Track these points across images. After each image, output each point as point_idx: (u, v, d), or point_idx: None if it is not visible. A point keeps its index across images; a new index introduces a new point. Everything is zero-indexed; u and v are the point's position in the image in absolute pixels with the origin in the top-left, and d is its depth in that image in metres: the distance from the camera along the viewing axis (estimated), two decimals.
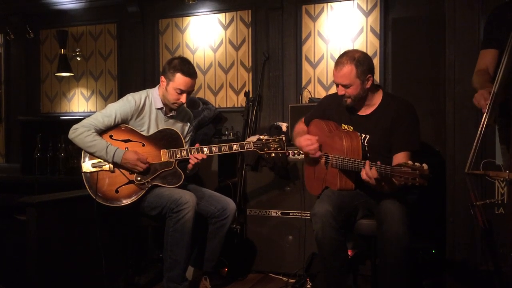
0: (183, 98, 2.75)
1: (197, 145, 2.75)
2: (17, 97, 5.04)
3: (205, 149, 2.73)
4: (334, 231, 2.30)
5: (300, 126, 2.79)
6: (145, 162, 2.66)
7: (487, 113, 1.83)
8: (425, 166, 1.96)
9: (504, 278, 2.14)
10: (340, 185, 2.42)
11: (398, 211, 2.28)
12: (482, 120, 1.84)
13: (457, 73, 2.86)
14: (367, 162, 2.19)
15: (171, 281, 2.66)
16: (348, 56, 2.38)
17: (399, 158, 2.33)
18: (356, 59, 2.36)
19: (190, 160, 2.73)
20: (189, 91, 2.77)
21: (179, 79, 2.71)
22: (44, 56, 4.99)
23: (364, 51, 3.71)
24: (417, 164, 1.97)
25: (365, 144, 2.46)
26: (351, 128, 2.51)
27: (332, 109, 2.61)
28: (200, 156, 2.71)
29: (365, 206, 2.49)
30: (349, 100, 2.43)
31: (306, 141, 2.55)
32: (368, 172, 2.17)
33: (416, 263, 2.92)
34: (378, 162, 2.18)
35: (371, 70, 2.40)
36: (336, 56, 3.88)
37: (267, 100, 4.08)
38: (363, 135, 2.47)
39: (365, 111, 2.50)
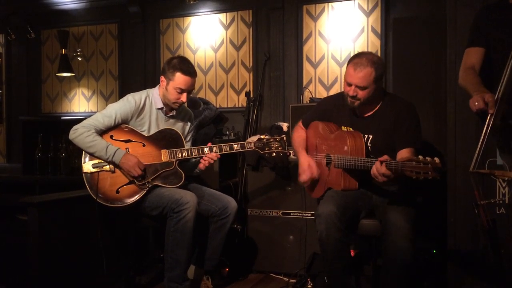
0: (183, 97, 2.75)
1: (209, 144, 2.77)
2: (18, 97, 5.05)
3: (206, 149, 2.74)
4: (339, 232, 2.28)
5: (300, 133, 2.75)
6: (142, 169, 2.66)
7: (492, 114, 1.82)
8: (437, 159, 1.94)
9: (507, 278, 2.13)
10: (344, 185, 2.41)
11: (404, 223, 2.23)
12: (487, 120, 1.83)
13: (458, 73, 2.84)
14: (379, 159, 2.14)
15: (172, 281, 2.66)
16: (367, 58, 2.34)
17: (403, 153, 2.33)
18: (375, 62, 2.34)
19: (202, 160, 2.75)
20: (189, 90, 2.77)
21: (179, 78, 2.71)
22: (45, 56, 4.99)
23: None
24: (428, 158, 1.96)
25: (368, 144, 2.45)
26: (351, 130, 2.51)
27: (332, 111, 2.60)
28: (212, 155, 2.72)
29: (368, 207, 2.48)
30: (357, 103, 2.40)
31: (306, 171, 2.53)
32: (379, 168, 2.12)
33: (417, 263, 2.91)
34: (386, 157, 2.14)
35: (383, 75, 2.41)
36: (337, 56, 3.94)
37: (268, 100, 4.08)
38: (366, 136, 2.46)
39: (366, 113, 2.50)
